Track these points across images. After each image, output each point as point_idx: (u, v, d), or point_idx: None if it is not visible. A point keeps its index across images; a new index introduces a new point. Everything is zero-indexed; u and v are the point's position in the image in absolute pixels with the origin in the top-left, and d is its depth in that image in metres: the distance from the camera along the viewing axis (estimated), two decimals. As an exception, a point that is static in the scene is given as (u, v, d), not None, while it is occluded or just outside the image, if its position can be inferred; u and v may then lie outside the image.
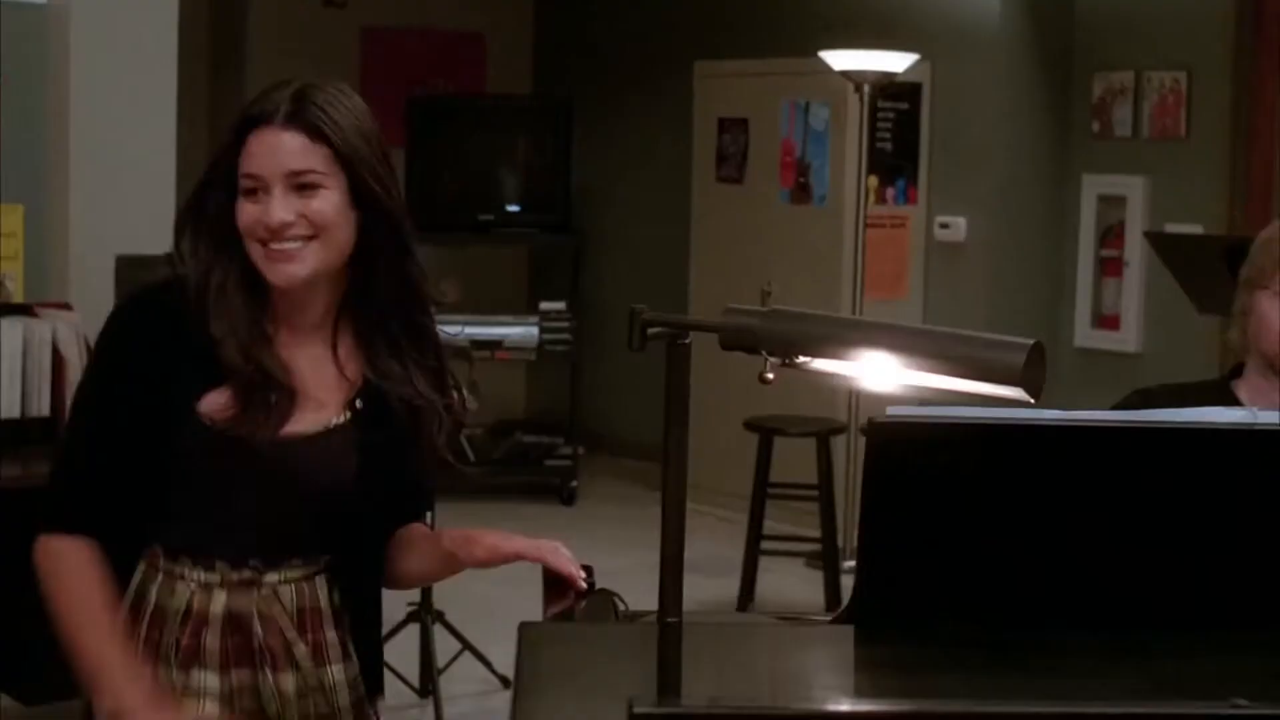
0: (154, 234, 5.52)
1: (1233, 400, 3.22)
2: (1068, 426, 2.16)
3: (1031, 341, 1.85)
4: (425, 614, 5.50)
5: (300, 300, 2.52)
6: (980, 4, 8.38)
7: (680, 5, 9.77)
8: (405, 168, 9.26)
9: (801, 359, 2.02)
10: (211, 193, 2.51)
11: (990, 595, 2.13)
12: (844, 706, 1.99)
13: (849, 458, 7.43)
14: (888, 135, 8.50)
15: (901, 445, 2.13)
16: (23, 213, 5.60)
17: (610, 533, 7.72)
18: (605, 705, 1.81)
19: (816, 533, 7.19)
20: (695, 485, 8.10)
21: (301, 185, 2.46)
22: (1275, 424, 2.14)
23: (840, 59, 7.47)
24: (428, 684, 5.47)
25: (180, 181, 5.87)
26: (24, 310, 5.17)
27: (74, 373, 5.02)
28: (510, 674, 5.30)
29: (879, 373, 1.96)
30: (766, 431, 7.10)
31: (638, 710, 1.59)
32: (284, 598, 2.51)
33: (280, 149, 2.46)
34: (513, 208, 9.53)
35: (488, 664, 5.66)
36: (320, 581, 2.55)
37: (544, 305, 8.99)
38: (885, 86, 7.82)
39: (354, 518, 2.55)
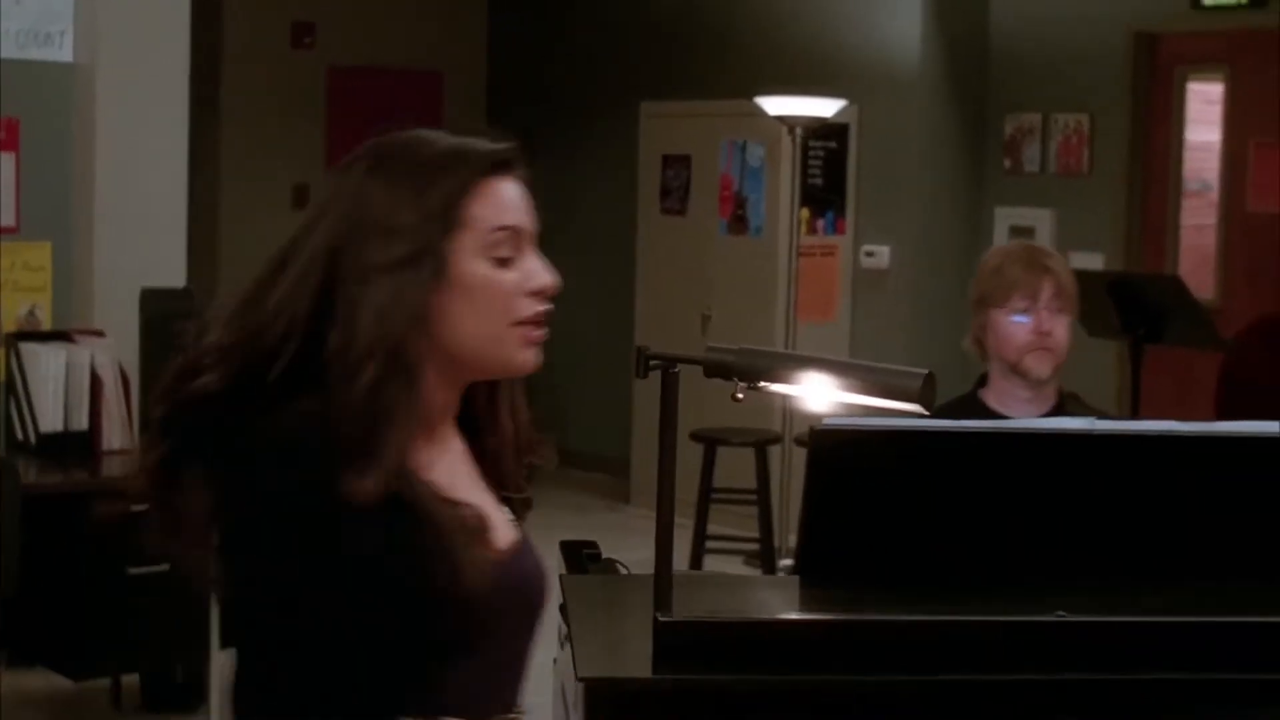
0: (171, 267, 6.20)
1: (981, 407, 3.73)
2: (969, 432, 2.87)
3: (926, 371, 2.58)
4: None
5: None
6: (902, 52, 8.86)
7: (627, 49, 10.15)
8: (373, 201, 9.92)
9: (763, 384, 2.72)
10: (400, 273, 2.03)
11: (916, 577, 2.77)
12: (838, 615, 2.51)
13: (784, 465, 7.92)
14: (818, 171, 8.95)
15: (837, 449, 2.80)
16: (50, 249, 6.20)
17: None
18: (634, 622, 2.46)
19: (755, 533, 7.83)
20: (650, 492, 8.78)
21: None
22: (1112, 430, 2.86)
23: (774, 105, 7.85)
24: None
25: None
26: (63, 337, 5.82)
27: (110, 392, 5.67)
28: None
29: (818, 394, 2.69)
30: (710, 442, 7.77)
31: (662, 619, 2.27)
32: None
33: (525, 204, 2.20)
34: None
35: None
36: None
37: None
38: (815, 128, 8.17)
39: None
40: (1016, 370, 3.74)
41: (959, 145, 9.03)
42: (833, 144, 8.97)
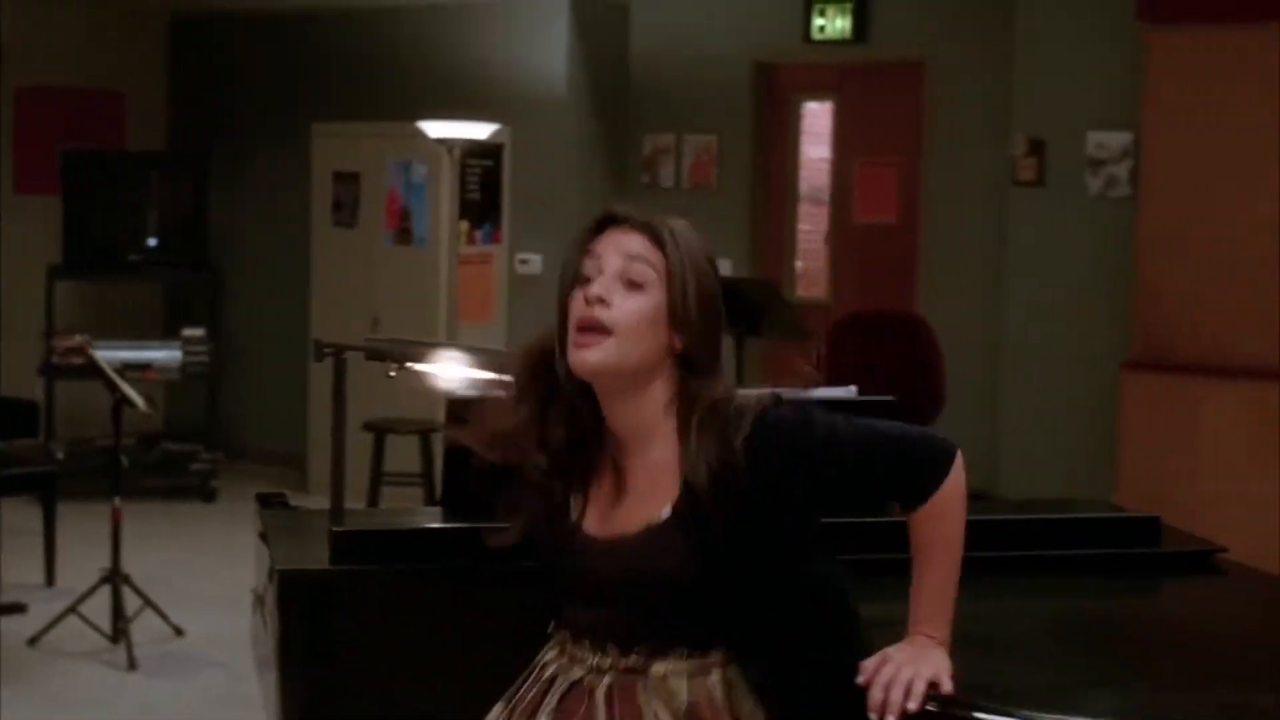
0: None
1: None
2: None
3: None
4: (115, 576, 6.89)
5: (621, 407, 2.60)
6: (551, 78, 9.62)
7: (301, 74, 10.62)
8: (62, 215, 10.16)
9: (409, 364, 3.61)
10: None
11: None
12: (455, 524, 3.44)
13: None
14: (475, 186, 9.62)
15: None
16: None
17: (246, 524, 9.09)
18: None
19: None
20: (326, 484, 9.44)
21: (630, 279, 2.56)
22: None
23: (435, 128, 8.31)
24: (118, 632, 6.83)
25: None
26: None
27: None
28: (180, 626, 6.76)
29: (450, 370, 3.59)
30: (380, 431, 8.59)
31: (335, 530, 3.15)
32: (674, 687, 2.59)
33: (623, 243, 2.60)
34: (156, 248, 10.37)
35: (164, 616, 7.06)
36: (716, 676, 2.61)
37: (186, 332, 9.96)
38: (473, 148, 8.76)
39: (699, 610, 2.57)
40: None
41: (603, 162, 9.86)
42: (489, 162, 9.67)
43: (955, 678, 2.53)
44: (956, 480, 2.61)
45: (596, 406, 2.64)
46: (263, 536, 3.41)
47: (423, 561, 3.12)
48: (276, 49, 10.90)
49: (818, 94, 9.61)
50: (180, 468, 10.21)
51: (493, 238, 9.85)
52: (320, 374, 10.02)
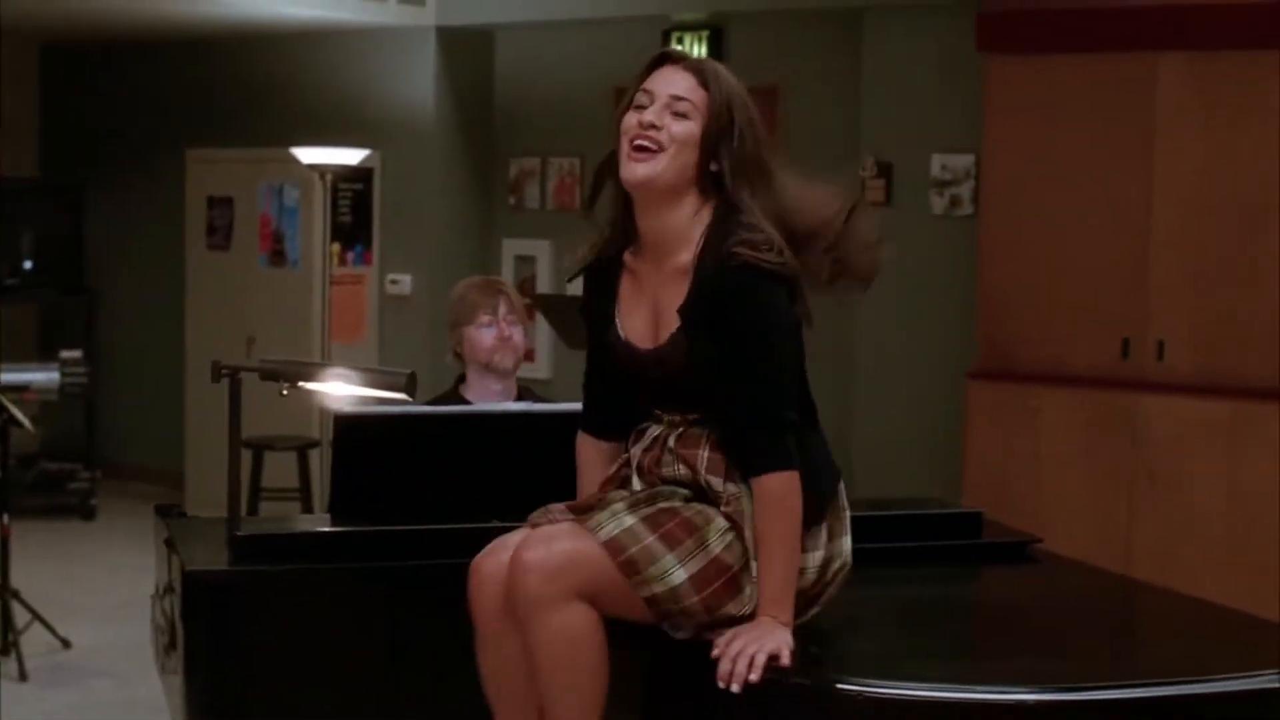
0: None
1: (461, 399, 4.85)
2: (447, 414, 4.13)
3: (409, 370, 3.83)
4: (4, 592, 7.11)
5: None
6: (419, 105, 9.90)
7: (174, 100, 10.85)
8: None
9: (301, 383, 3.90)
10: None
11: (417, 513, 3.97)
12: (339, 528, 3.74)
13: (322, 465, 8.80)
14: (347, 210, 9.90)
15: (354, 428, 4.00)
16: None
17: (125, 540, 9.37)
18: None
19: (300, 526, 8.94)
20: (204, 500, 9.69)
21: (677, 108, 3.08)
22: (543, 409, 4.15)
23: (307, 154, 8.62)
24: (8, 645, 7.04)
25: None
26: None
27: None
28: (67, 638, 6.98)
29: (338, 389, 3.90)
30: (259, 448, 8.85)
31: (237, 534, 3.46)
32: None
33: (673, 79, 3.12)
34: (31, 271, 10.57)
35: (51, 629, 7.29)
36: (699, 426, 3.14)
37: (64, 354, 10.08)
38: (344, 173, 9.00)
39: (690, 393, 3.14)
40: (489, 368, 4.95)
41: (470, 185, 10.15)
42: (359, 185, 9.95)
43: (794, 652, 2.89)
44: (780, 492, 3.03)
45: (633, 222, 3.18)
46: (169, 543, 3.69)
47: (319, 562, 3.44)
48: (150, 76, 11.10)
49: (677, 118, 9.89)
50: (59, 487, 10.37)
51: (364, 259, 10.11)
52: (196, 393, 10.30)
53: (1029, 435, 7.76)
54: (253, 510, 8.76)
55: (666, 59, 3.18)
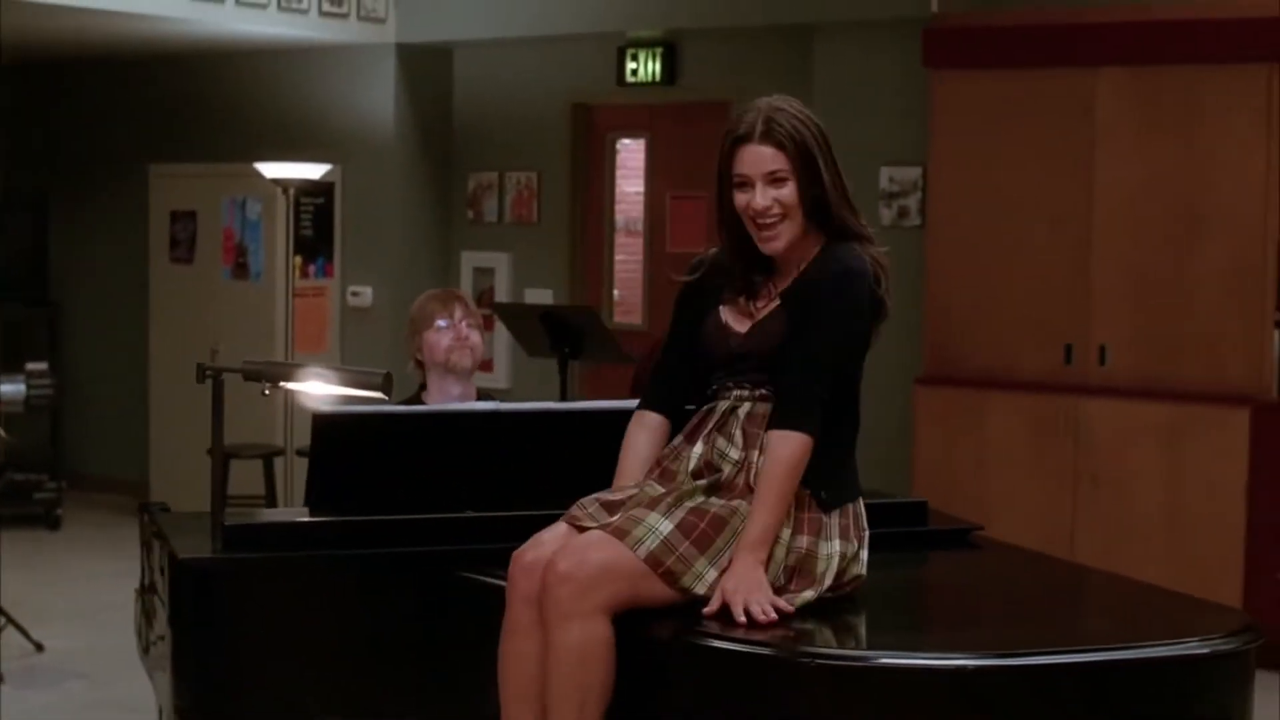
0: None
1: (421, 404, 5.02)
2: (421, 413, 4.33)
3: (385, 370, 4.03)
4: (-21, 596, 7.28)
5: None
6: (379, 120, 10.08)
7: (136, 116, 11.00)
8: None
9: (282, 384, 4.09)
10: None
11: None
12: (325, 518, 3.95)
13: (286, 472, 8.92)
14: (309, 223, 10.06)
15: (332, 426, 4.18)
16: None
17: (92, 549, 9.52)
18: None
19: (266, 533, 9.07)
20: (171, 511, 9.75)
21: (773, 179, 3.47)
22: (513, 408, 4.36)
23: (270, 169, 8.78)
24: (-17, 648, 7.22)
25: None
26: None
27: None
28: (40, 642, 7.14)
29: (316, 388, 4.10)
30: (225, 456, 8.98)
31: (226, 524, 3.65)
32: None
33: (759, 158, 3.48)
34: None
35: (25, 633, 7.43)
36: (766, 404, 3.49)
37: (30, 365, 10.18)
38: (305, 187, 9.22)
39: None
40: (447, 368, 5.13)
41: (429, 199, 10.33)
42: (321, 199, 10.13)
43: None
44: (790, 449, 3.39)
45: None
46: (158, 535, 3.88)
47: (307, 549, 3.64)
48: (114, 92, 11.24)
49: (631, 132, 10.12)
50: (25, 497, 10.44)
51: (325, 272, 10.28)
52: (160, 404, 10.47)
53: (975, 439, 8.00)
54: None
55: (741, 140, 3.52)
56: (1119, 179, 7.79)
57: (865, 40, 8.81)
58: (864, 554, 3.50)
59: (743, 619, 3.23)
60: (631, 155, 10.18)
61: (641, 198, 10.09)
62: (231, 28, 9.48)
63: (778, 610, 3.28)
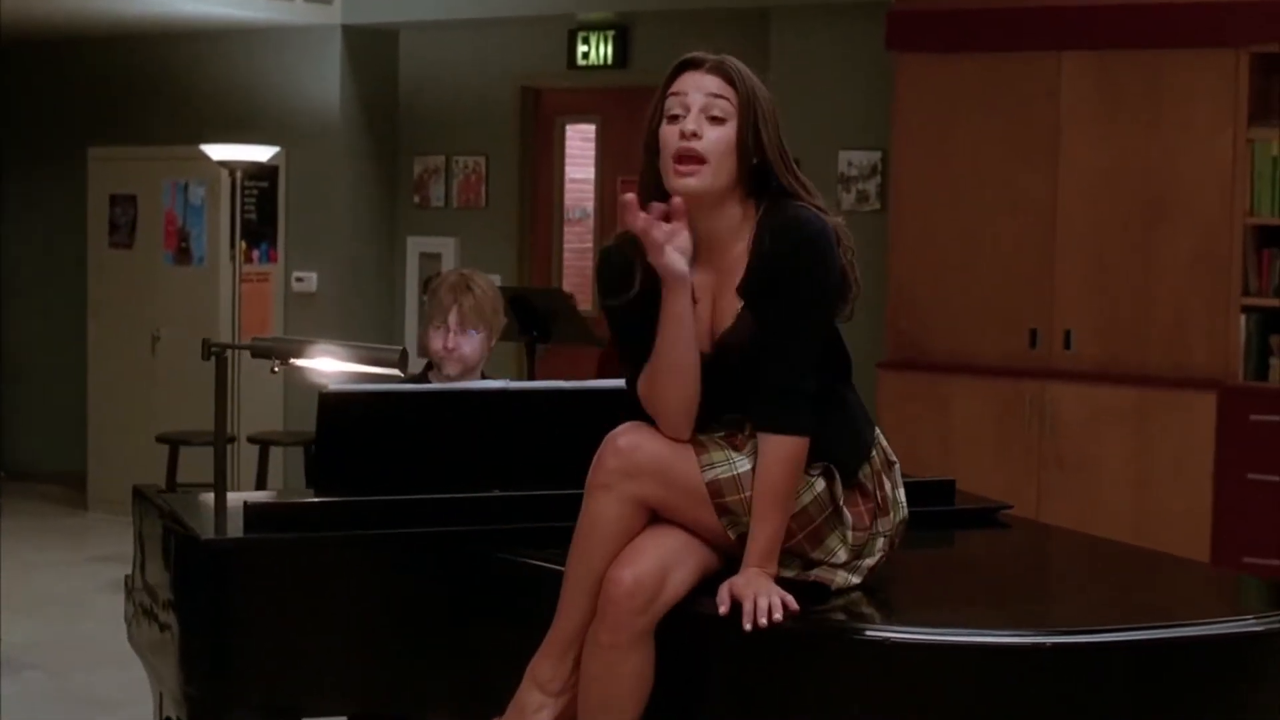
0: None
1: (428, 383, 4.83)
2: (433, 392, 4.22)
3: (402, 347, 3.92)
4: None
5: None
6: (324, 103, 9.94)
7: (75, 98, 10.82)
8: None
9: (293, 360, 3.96)
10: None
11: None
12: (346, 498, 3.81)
13: (236, 461, 8.83)
14: (253, 207, 9.90)
15: (339, 405, 4.06)
16: None
17: (33, 539, 9.33)
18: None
19: (215, 522, 8.92)
20: (107, 499, 9.70)
21: (712, 114, 3.11)
22: (522, 386, 4.26)
23: (217, 151, 8.67)
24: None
25: None
26: None
27: None
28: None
29: (327, 365, 3.97)
30: (174, 443, 8.86)
31: (249, 503, 3.53)
32: None
33: (703, 83, 3.13)
34: None
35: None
36: None
37: None
38: (251, 170, 9.07)
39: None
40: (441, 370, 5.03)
41: (375, 183, 10.21)
42: (265, 183, 9.98)
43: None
44: (784, 453, 3.13)
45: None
46: (168, 517, 3.74)
47: (332, 529, 3.53)
48: (51, 73, 11.05)
49: (581, 116, 10.04)
50: (-37, 487, 10.29)
51: (269, 257, 10.14)
52: (99, 393, 10.28)
53: (939, 424, 7.95)
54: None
55: (688, 65, 3.19)
56: (1084, 163, 7.78)
57: (824, 23, 8.76)
58: (901, 492, 3.34)
59: (762, 620, 3.02)
60: (581, 139, 10.07)
61: (591, 183, 10.00)
62: (174, 7, 9.33)
63: (811, 592, 3.15)
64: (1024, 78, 7.86)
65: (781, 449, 3.15)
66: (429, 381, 5.06)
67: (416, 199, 10.26)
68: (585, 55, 9.69)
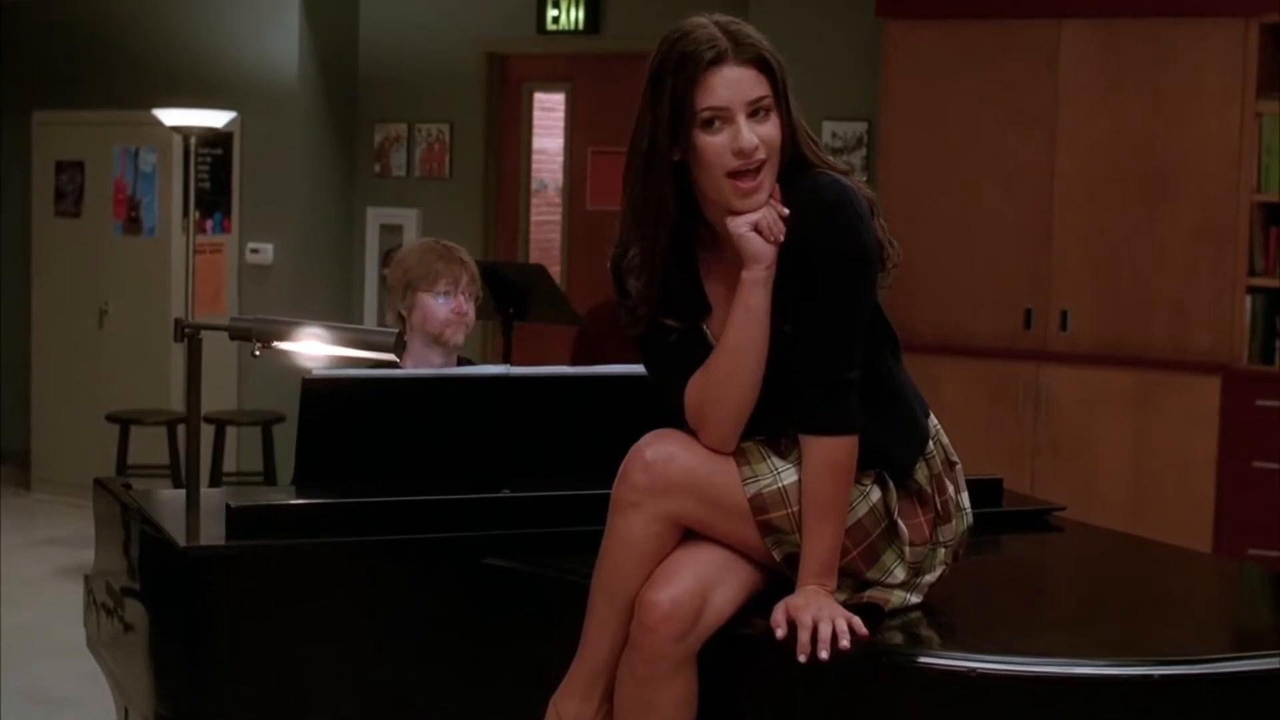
0: None
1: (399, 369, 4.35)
2: (425, 378, 3.85)
3: (397, 330, 3.54)
4: None
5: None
6: (281, 67, 9.53)
7: (20, 60, 10.34)
8: None
9: (275, 343, 3.59)
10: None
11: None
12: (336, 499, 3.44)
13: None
14: (206, 176, 9.51)
15: (323, 392, 3.69)
16: None
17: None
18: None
19: (168, 504, 8.57)
20: (51, 479, 9.29)
21: (756, 111, 2.79)
22: (525, 372, 3.89)
23: (170, 116, 8.25)
24: None
25: None
26: None
27: None
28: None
29: (315, 349, 3.59)
30: (125, 422, 8.46)
31: (233, 505, 3.15)
32: None
33: (739, 83, 2.78)
34: None
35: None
36: None
37: None
38: (206, 137, 8.74)
39: None
40: (438, 340, 4.67)
41: (334, 151, 9.83)
42: (219, 150, 9.59)
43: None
44: (833, 455, 2.80)
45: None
46: (138, 517, 3.38)
47: (325, 535, 3.15)
48: (-8, 34, 10.58)
49: (550, 84, 9.69)
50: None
51: (223, 227, 9.75)
52: (44, 368, 9.87)
53: (931, 406, 7.59)
54: (120, 488, 8.36)
55: (713, 61, 2.80)
56: (1083, 135, 7.46)
57: (809, -14, 8.39)
58: (965, 497, 3.01)
59: (823, 653, 2.69)
60: (550, 107, 9.72)
61: (560, 152, 9.66)
62: (127, -36, 8.91)
63: (864, 613, 2.81)
64: (1021, 46, 7.53)
65: (827, 451, 2.82)
66: (398, 365, 4.71)
67: (377, 168, 9.90)
68: (555, 20, 9.34)
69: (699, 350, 2.90)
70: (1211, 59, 7.24)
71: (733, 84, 2.78)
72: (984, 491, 3.63)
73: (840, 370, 2.81)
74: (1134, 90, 7.37)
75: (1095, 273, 7.46)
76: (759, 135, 2.77)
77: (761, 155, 2.77)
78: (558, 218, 9.71)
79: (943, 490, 2.96)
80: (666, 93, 2.80)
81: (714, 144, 2.77)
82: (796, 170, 2.85)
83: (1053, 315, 7.53)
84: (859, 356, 2.84)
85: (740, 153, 2.76)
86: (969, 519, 3.01)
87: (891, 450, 2.91)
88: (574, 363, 6.80)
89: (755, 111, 2.78)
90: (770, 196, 2.81)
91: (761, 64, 2.80)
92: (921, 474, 2.95)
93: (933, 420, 3.04)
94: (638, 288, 2.91)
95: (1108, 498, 7.29)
